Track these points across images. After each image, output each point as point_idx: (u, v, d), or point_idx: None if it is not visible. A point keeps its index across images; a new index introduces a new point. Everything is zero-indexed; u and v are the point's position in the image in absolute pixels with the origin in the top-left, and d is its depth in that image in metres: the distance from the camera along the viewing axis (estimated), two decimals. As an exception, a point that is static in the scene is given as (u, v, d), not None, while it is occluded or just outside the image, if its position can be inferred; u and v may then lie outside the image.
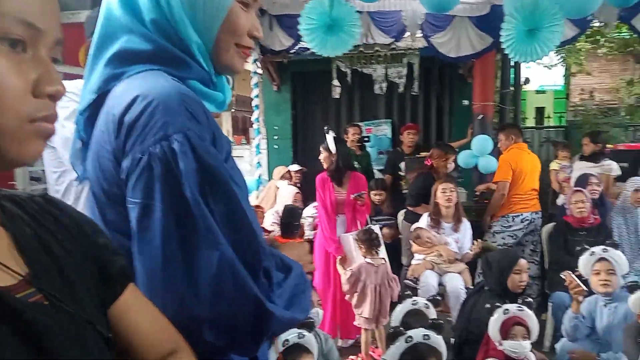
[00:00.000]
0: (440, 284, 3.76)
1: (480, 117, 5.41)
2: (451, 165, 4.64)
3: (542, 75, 9.19)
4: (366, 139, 6.32)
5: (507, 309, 2.54)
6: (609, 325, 2.95)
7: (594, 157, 4.72)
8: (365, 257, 3.46)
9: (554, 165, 4.72)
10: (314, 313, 2.68)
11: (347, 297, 3.52)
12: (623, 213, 4.01)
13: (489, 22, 4.59)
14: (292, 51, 5.38)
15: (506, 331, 2.51)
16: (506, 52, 3.86)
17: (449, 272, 3.81)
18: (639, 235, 3.90)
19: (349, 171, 3.94)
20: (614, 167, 4.51)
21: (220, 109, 1.02)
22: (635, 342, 2.47)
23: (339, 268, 3.59)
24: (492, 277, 3.16)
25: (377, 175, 5.65)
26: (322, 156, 3.98)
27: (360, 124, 5.96)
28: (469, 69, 6.01)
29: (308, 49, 5.54)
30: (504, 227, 4.45)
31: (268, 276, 0.87)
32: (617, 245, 3.16)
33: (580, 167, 4.55)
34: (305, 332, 2.21)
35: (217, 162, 0.84)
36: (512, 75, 6.37)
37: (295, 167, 5.43)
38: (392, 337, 2.18)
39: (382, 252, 3.59)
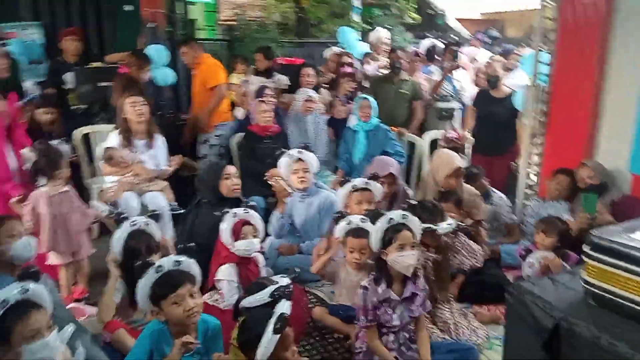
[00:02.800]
0: (142, 204, 3.55)
1: (152, 25, 5.07)
2: (146, 75, 4.28)
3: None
4: (3, 43, 5.10)
5: (235, 213, 2.63)
6: (306, 218, 3.40)
7: (267, 72, 5.08)
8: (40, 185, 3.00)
9: (233, 79, 4.89)
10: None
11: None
12: (296, 120, 4.54)
13: None
14: None
15: (237, 233, 2.61)
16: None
17: (150, 191, 3.63)
18: (309, 138, 4.47)
19: None
20: (283, 80, 4.98)
21: None
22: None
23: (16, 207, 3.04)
24: (207, 189, 3.20)
25: (32, 90, 4.70)
26: None
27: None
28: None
29: None
30: (217, 135, 4.62)
31: None
32: (309, 147, 3.57)
33: (257, 81, 4.82)
34: (30, 285, 1.76)
35: None
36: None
37: None
38: (138, 270, 1.96)
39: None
